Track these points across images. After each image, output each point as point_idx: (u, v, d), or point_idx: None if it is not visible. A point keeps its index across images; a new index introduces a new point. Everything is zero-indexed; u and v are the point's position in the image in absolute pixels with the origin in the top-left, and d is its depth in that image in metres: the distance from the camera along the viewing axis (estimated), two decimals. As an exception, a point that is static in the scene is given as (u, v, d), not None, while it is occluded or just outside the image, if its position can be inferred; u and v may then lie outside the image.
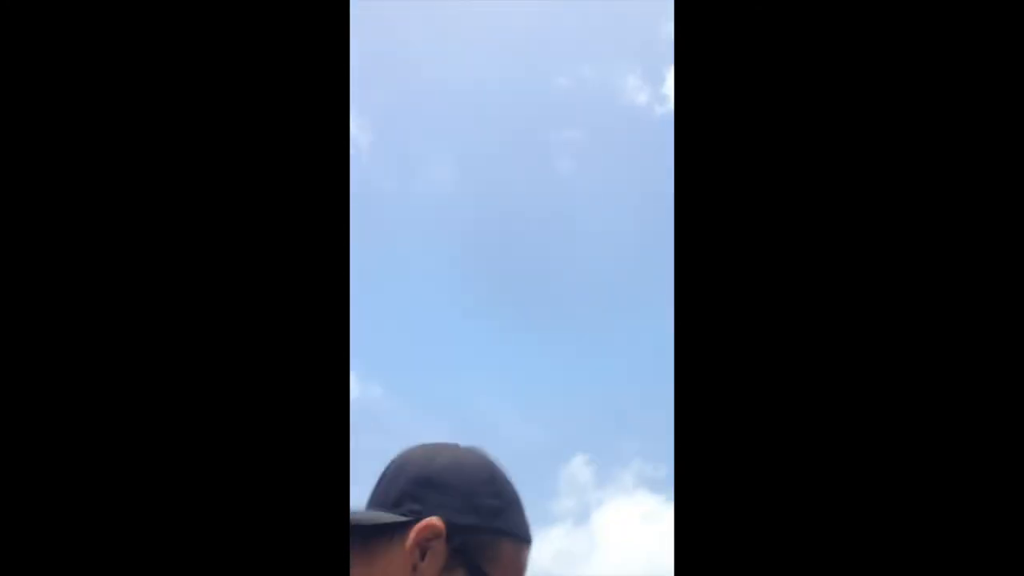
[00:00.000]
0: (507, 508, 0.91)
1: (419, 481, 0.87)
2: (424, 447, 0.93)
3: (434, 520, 0.83)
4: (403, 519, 0.84)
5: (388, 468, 0.91)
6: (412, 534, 0.83)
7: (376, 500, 0.87)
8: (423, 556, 0.84)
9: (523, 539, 0.92)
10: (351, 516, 0.79)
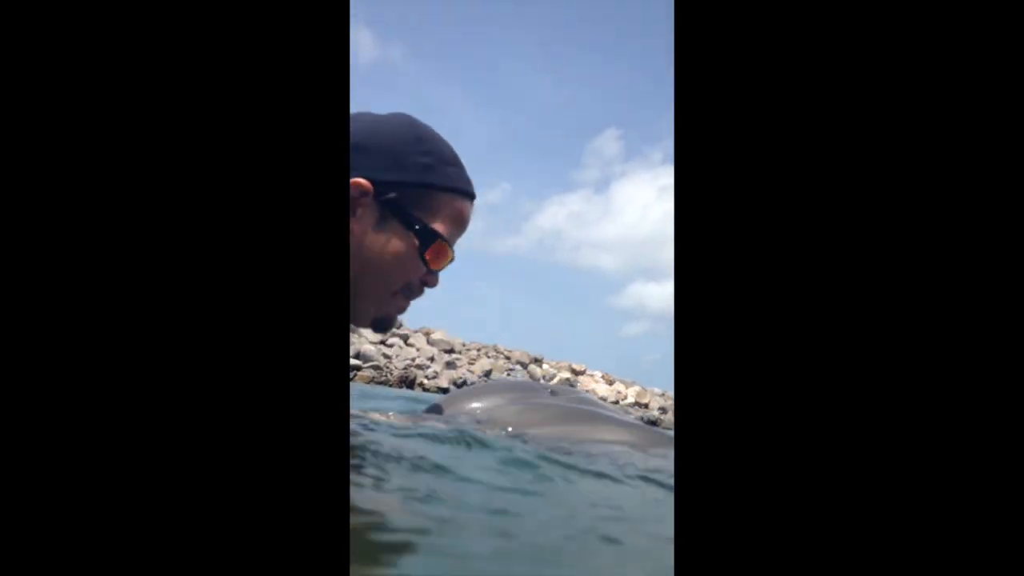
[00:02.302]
0: (439, 165, 0.92)
1: None
2: None
3: (358, 179, 0.87)
4: None
5: None
6: None
7: None
8: (353, 213, 0.88)
9: (462, 192, 0.94)
10: None
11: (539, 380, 22.73)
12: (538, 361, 24.09)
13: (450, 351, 21.89)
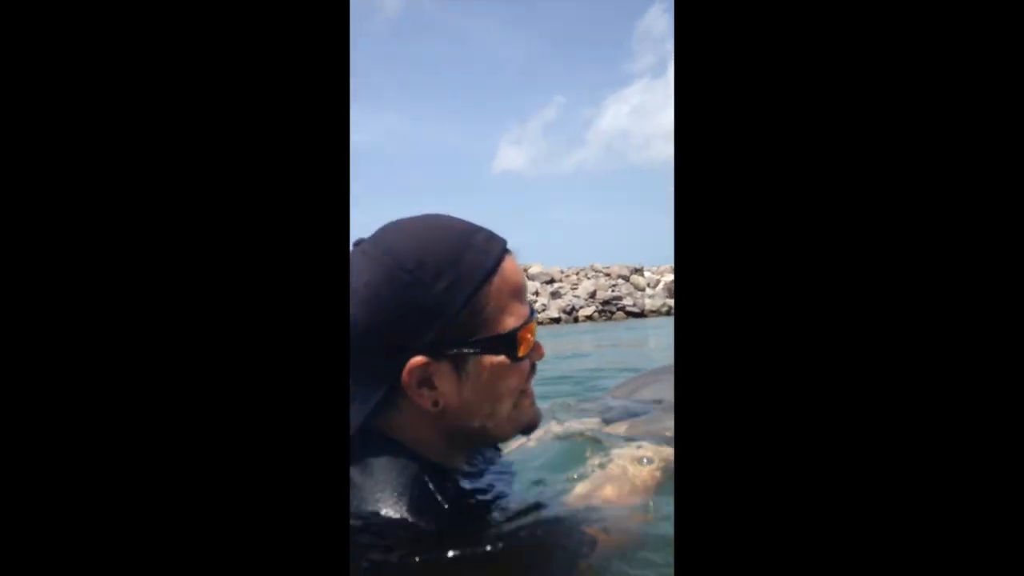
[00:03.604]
0: (455, 270, 0.78)
1: (360, 352, 0.76)
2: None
3: (411, 363, 0.77)
4: (384, 388, 0.79)
5: None
6: (407, 388, 0.78)
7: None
8: (432, 387, 0.79)
9: (494, 269, 0.80)
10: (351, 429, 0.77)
11: (643, 289, 22.61)
12: (639, 271, 23.98)
13: (551, 281, 22.21)
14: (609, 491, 0.93)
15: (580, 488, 0.95)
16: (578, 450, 1.19)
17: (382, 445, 0.81)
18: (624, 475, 0.96)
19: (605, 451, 1.12)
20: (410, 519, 0.74)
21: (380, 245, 0.81)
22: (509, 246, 0.86)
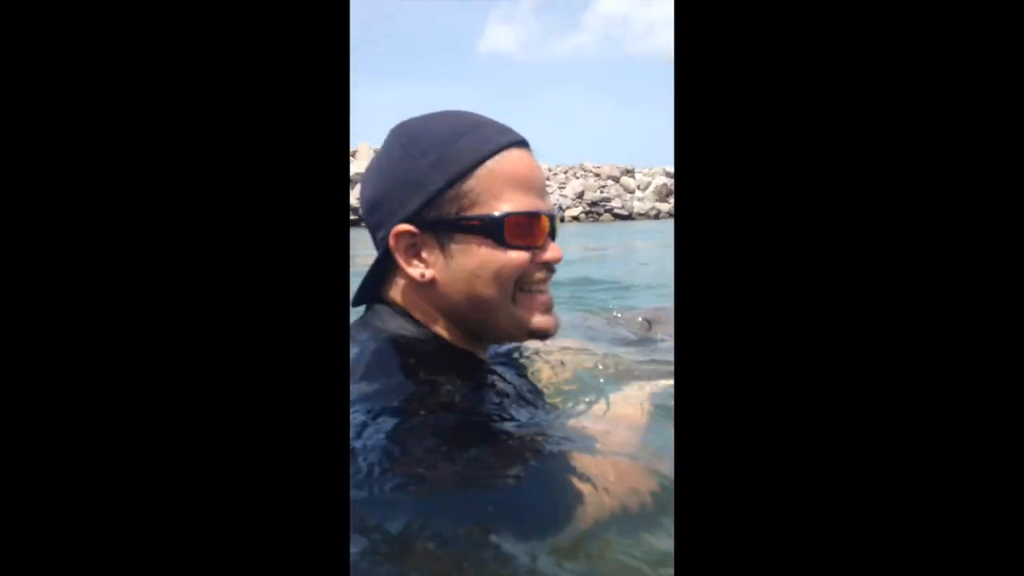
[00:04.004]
0: (444, 150, 0.83)
1: (365, 211, 0.89)
2: None
3: (395, 229, 0.83)
4: (379, 255, 0.87)
5: None
6: (395, 253, 0.84)
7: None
8: (420, 259, 0.84)
9: (493, 153, 0.83)
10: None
11: (633, 191, 22.13)
12: (629, 172, 23.43)
13: (538, 179, 21.67)
14: (610, 427, 0.90)
15: (586, 417, 0.93)
16: (593, 376, 1.19)
17: (390, 313, 0.87)
18: (625, 415, 0.94)
19: (612, 385, 1.11)
20: (415, 368, 0.80)
21: (396, 130, 0.89)
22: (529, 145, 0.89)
